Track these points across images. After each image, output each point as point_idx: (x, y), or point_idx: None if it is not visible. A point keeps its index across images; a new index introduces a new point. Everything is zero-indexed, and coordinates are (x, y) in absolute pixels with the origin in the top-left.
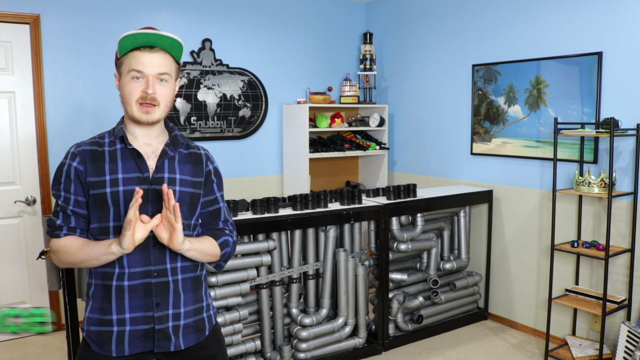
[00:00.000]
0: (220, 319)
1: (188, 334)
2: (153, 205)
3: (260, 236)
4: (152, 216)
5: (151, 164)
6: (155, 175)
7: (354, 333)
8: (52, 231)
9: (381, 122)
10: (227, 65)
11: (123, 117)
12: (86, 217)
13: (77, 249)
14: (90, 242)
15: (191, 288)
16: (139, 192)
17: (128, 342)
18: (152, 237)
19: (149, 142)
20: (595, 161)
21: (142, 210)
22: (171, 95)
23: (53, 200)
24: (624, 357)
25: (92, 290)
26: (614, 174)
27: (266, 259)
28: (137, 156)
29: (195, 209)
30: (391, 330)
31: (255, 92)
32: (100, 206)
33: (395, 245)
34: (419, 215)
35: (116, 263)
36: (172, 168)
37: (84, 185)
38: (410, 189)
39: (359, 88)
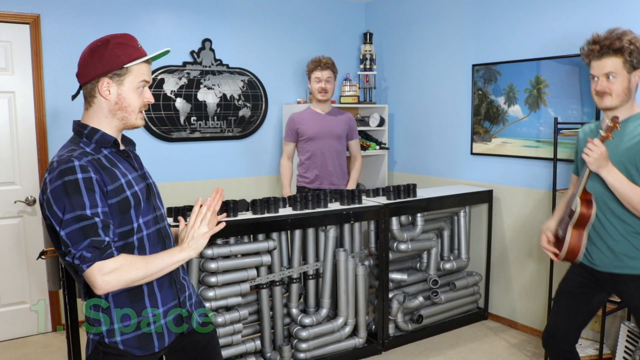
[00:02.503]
0: (220, 319)
1: (199, 309)
2: (154, 199)
3: (260, 236)
4: (155, 209)
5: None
6: (143, 172)
7: (354, 333)
8: (103, 252)
9: (381, 122)
10: (227, 65)
11: (88, 125)
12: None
13: (146, 263)
14: (148, 255)
15: (186, 270)
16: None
17: (167, 334)
18: (162, 229)
19: (122, 145)
20: None
21: (149, 205)
22: None
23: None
24: (624, 357)
25: (112, 299)
26: None
27: (266, 259)
28: (127, 157)
29: None
30: (391, 330)
31: (255, 92)
32: (123, 211)
33: (395, 245)
34: (419, 215)
35: None
36: (140, 164)
37: (105, 196)
38: (410, 189)
39: (359, 88)
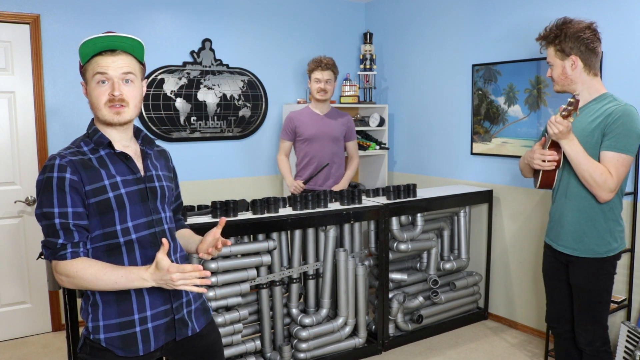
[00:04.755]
0: (220, 319)
1: (199, 317)
2: (152, 203)
3: (260, 236)
4: (152, 213)
5: (138, 164)
6: (146, 174)
7: (354, 333)
8: (54, 253)
9: (381, 122)
10: (227, 65)
11: (94, 125)
12: (87, 227)
13: (95, 278)
14: (108, 269)
15: None
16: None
17: (154, 338)
18: (159, 233)
19: (128, 145)
20: None
21: (144, 208)
22: (139, 96)
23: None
24: (624, 357)
25: (100, 297)
26: None
27: (266, 259)
28: (125, 159)
29: (171, 201)
30: (391, 330)
31: (255, 92)
32: (103, 212)
33: (395, 245)
34: (419, 215)
35: (128, 263)
36: (154, 166)
37: (82, 196)
38: (410, 189)
39: (359, 88)
